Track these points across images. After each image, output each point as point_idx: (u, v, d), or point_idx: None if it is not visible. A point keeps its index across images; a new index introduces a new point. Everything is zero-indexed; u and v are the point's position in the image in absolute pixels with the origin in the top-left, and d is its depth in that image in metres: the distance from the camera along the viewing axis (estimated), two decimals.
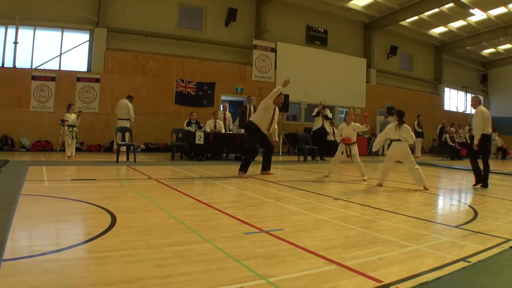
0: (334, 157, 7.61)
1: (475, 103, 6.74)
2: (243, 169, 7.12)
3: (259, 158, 7.88)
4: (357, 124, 7.36)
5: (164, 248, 2.68)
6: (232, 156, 11.64)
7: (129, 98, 11.32)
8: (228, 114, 12.33)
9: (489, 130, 6.50)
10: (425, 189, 6.00)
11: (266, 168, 7.54)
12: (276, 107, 7.38)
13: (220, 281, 2.13)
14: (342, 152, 7.37)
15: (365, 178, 7.14)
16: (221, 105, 13.99)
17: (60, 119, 9.41)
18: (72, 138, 9.08)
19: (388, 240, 3.10)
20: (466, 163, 12.94)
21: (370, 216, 4.04)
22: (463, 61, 23.04)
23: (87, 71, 12.94)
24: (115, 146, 9.91)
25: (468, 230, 3.52)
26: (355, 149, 7.33)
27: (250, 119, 7.64)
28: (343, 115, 17.81)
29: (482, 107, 6.64)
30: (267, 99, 7.29)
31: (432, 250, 2.84)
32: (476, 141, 6.51)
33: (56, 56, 12.64)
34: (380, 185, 6.41)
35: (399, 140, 6.20)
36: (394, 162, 6.59)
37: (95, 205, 4.00)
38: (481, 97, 6.89)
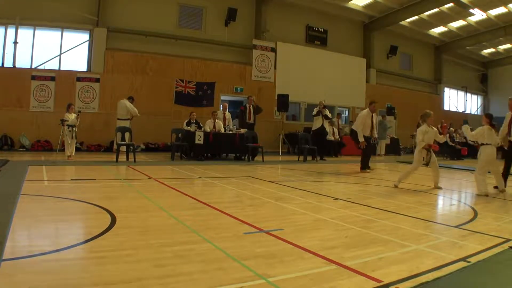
0: (413, 165, 6.64)
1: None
2: (364, 167, 8.83)
3: (258, 158, 7.90)
4: (437, 130, 6.66)
5: (164, 248, 2.68)
6: (232, 156, 11.62)
7: (130, 99, 11.33)
8: (227, 114, 12.32)
9: None
10: (502, 191, 6.02)
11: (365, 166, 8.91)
12: (373, 114, 8.81)
13: (220, 281, 2.13)
14: (423, 159, 6.46)
15: (441, 186, 6.42)
16: (221, 105, 13.98)
17: (60, 119, 9.41)
18: (72, 138, 9.07)
19: (388, 240, 3.10)
20: (466, 163, 12.96)
21: (370, 216, 4.04)
22: (463, 61, 23.03)
23: (87, 71, 12.92)
24: (115, 146, 9.90)
25: (468, 230, 3.52)
26: (434, 156, 6.57)
27: (353, 127, 9.04)
28: (346, 115, 17.84)
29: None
30: (358, 120, 8.81)
31: (432, 250, 2.84)
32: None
33: (56, 56, 12.63)
34: (486, 194, 5.79)
35: (489, 144, 5.92)
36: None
37: (94, 205, 4.00)
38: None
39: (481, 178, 5.92)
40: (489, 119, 6.07)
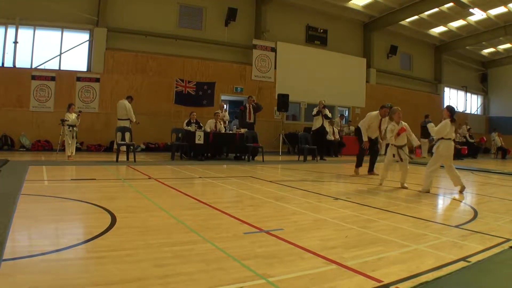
0: (385, 162, 6.65)
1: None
2: (358, 165, 8.43)
3: (258, 158, 7.87)
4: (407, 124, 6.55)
5: (164, 248, 2.68)
6: (232, 156, 11.62)
7: (129, 98, 11.31)
8: (225, 114, 12.26)
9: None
10: (462, 190, 5.87)
11: (371, 169, 8.54)
12: (383, 118, 8.13)
13: (220, 281, 2.13)
14: (394, 155, 6.46)
15: (406, 186, 6.30)
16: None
17: (60, 118, 9.41)
18: (72, 138, 9.07)
19: (388, 240, 3.10)
20: (467, 163, 12.96)
21: (370, 216, 4.04)
22: (463, 61, 23.02)
23: (87, 71, 12.92)
24: (115, 146, 9.90)
25: (468, 230, 3.52)
26: (406, 151, 6.51)
27: (359, 124, 8.56)
28: (346, 115, 17.80)
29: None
30: (365, 120, 8.36)
31: (432, 250, 2.84)
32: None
33: (56, 56, 12.63)
34: (428, 191, 5.84)
35: (449, 138, 5.84)
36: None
37: (95, 205, 4.00)
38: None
39: (431, 174, 5.89)
40: (451, 113, 5.89)
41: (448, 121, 5.83)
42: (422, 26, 19.19)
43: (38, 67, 12.31)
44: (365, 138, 8.16)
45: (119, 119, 11.02)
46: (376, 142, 8.52)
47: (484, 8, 16.22)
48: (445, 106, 6.35)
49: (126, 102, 11.13)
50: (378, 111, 8.30)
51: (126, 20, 13.21)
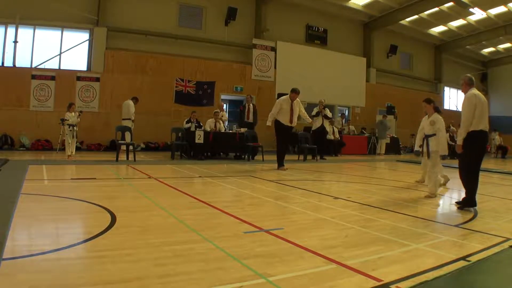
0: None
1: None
2: (279, 164, 8.39)
3: (258, 157, 7.83)
4: None
5: (164, 247, 2.68)
6: (232, 155, 11.62)
7: (134, 99, 11.36)
8: (224, 114, 12.26)
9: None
10: None
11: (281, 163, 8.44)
12: (294, 101, 8.29)
13: (220, 280, 2.13)
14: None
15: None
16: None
17: (60, 118, 9.40)
18: (72, 137, 9.07)
19: (388, 239, 3.10)
20: None
21: (370, 215, 4.04)
22: (463, 60, 23.02)
23: (87, 70, 12.92)
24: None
25: (468, 229, 3.52)
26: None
27: (277, 118, 8.43)
28: (346, 114, 17.78)
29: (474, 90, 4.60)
30: (273, 108, 8.42)
31: (432, 249, 2.84)
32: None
33: (56, 55, 12.62)
34: None
35: None
36: None
37: (95, 204, 4.00)
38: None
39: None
40: None
41: None
42: (422, 25, 19.19)
43: (38, 67, 12.30)
44: (268, 122, 8.31)
45: (123, 119, 11.05)
46: (289, 128, 8.43)
47: (484, 8, 16.22)
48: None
49: (129, 101, 11.17)
50: (288, 95, 8.42)
51: (126, 19, 13.21)
